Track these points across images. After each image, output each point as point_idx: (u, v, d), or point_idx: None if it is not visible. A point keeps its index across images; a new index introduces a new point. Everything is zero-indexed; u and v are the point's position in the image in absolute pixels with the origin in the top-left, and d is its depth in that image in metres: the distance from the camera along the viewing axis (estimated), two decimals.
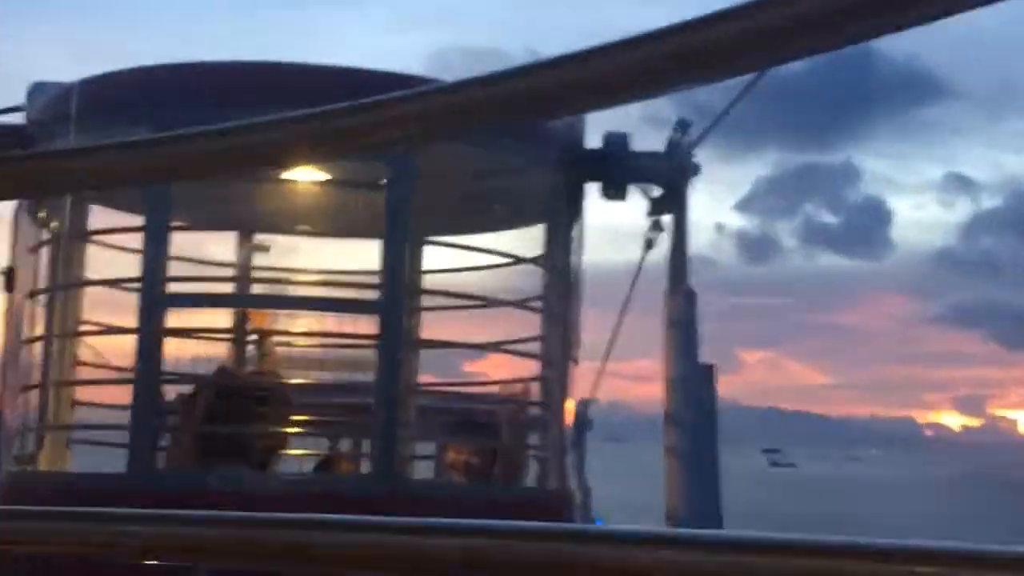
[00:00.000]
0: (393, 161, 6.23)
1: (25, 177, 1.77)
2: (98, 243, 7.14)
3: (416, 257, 7.82)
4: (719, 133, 7.27)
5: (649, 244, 7.38)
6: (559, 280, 7.12)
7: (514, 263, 7.62)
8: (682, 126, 7.27)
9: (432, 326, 7.70)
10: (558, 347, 7.10)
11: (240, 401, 6.40)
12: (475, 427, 7.42)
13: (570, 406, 7.15)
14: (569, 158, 7.05)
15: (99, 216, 7.52)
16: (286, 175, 7.05)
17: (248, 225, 8.25)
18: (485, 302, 7.33)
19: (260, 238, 8.33)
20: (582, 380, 7.48)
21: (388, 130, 1.55)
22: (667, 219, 7.30)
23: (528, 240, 7.64)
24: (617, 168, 7.17)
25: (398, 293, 6.31)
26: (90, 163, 1.76)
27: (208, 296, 6.85)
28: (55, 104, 6.64)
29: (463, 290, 7.56)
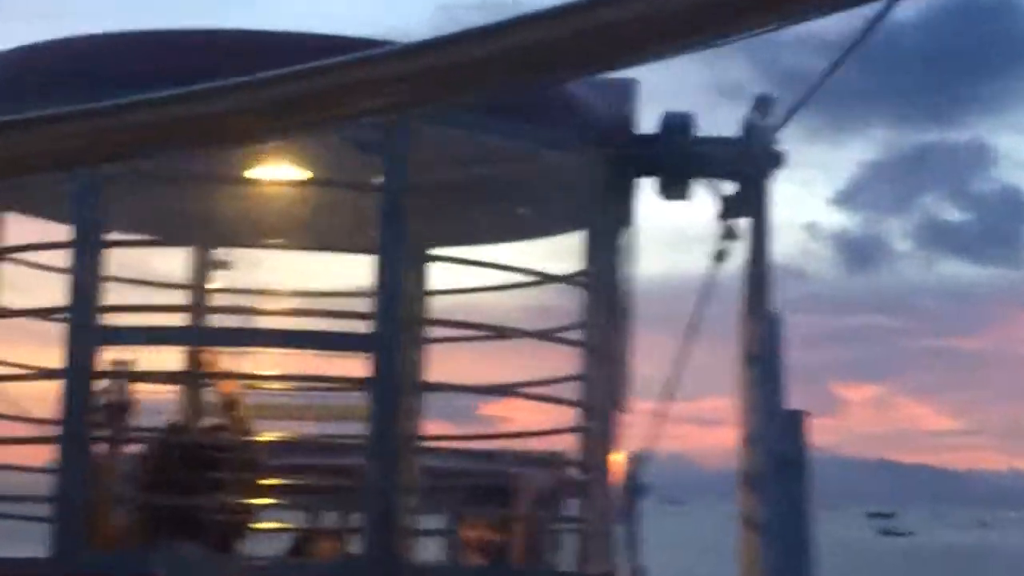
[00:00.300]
0: (384, 152, 6.24)
1: None
2: (16, 260, 7.19)
3: (418, 274, 7.85)
4: (810, 105, 7.27)
5: (720, 255, 7.35)
6: (603, 304, 7.11)
7: (543, 282, 7.64)
8: (762, 103, 7.24)
9: (440, 362, 7.71)
10: (602, 390, 7.08)
11: (196, 463, 6.41)
12: (495, 494, 7.41)
13: (618, 465, 7.14)
14: (614, 146, 7.04)
15: (17, 227, 7.57)
16: (250, 173, 7.08)
17: (205, 237, 8.27)
18: (506, 332, 7.31)
19: (219, 253, 8.35)
20: (634, 428, 7.46)
21: (358, 97, 1.57)
22: (743, 223, 7.28)
23: (562, 252, 7.65)
24: (678, 159, 7.16)
25: (395, 322, 6.31)
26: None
27: (154, 330, 6.85)
28: None
29: (479, 317, 7.57)
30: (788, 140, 7.28)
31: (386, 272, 6.31)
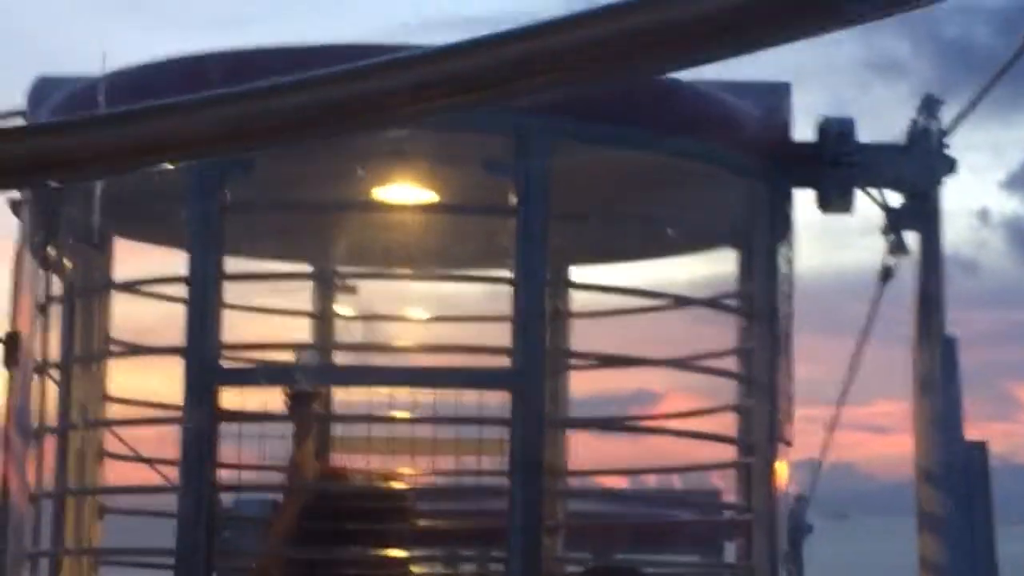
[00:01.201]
0: (517, 172, 6.09)
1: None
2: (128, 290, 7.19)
3: (558, 297, 7.71)
4: (976, 81, 6.98)
5: (887, 273, 7.09)
6: (762, 329, 6.89)
7: (697, 304, 7.46)
8: (930, 105, 6.99)
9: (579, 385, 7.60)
10: (762, 423, 6.87)
11: (348, 513, 6.32)
12: (648, 538, 7.20)
13: (782, 479, 6.91)
14: (770, 156, 6.82)
15: (124, 252, 7.57)
16: (377, 195, 6.98)
17: (329, 260, 8.20)
18: (656, 362, 7.13)
19: (345, 277, 8.27)
20: (800, 438, 7.22)
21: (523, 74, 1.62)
22: (912, 237, 7.02)
23: (713, 268, 7.47)
24: (839, 169, 6.92)
25: (536, 354, 6.13)
26: (100, 137, 1.76)
27: (277, 369, 6.76)
28: (72, 104, 6.63)
29: (625, 339, 7.41)
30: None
31: (525, 300, 6.13)
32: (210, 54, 6.54)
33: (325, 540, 6.32)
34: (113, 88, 6.35)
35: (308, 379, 6.67)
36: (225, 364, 6.33)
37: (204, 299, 6.20)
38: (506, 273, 6.35)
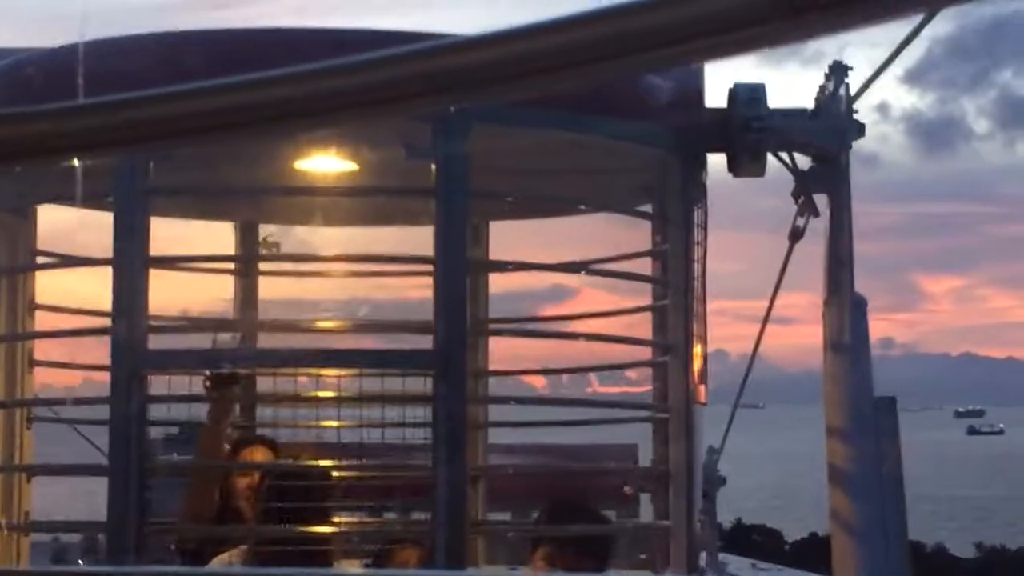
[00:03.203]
0: (436, 155, 6.16)
1: None
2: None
3: (478, 243, 7.84)
4: None
5: (797, 234, 7.23)
6: (678, 287, 7.02)
7: (614, 259, 7.57)
8: (838, 70, 7.10)
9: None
10: (680, 382, 7.02)
11: (293, 495, 6.40)
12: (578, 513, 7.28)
13: (696, 462, 7.08)
14: (682, 126, 6.92)
15: (49, 215, 7.57)
16: (299, 164, 7.03)
17: (251, 214, 8.25)
18: (578, 336, 7.26)
19: (267, 231, 8.33)
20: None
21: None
22: (822, 199, 7.15)
23: (631, 228, 7.57)
24: (749, 134, 7.03)
25: (458, 337, 6.23)
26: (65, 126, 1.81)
27: (206, 353, 6.81)
28: (6, 84, 6.62)
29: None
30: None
31: (445, 283, 6.22)
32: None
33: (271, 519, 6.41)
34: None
35: (232, 361, 6.75)
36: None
37: (130, 285, 6.25)
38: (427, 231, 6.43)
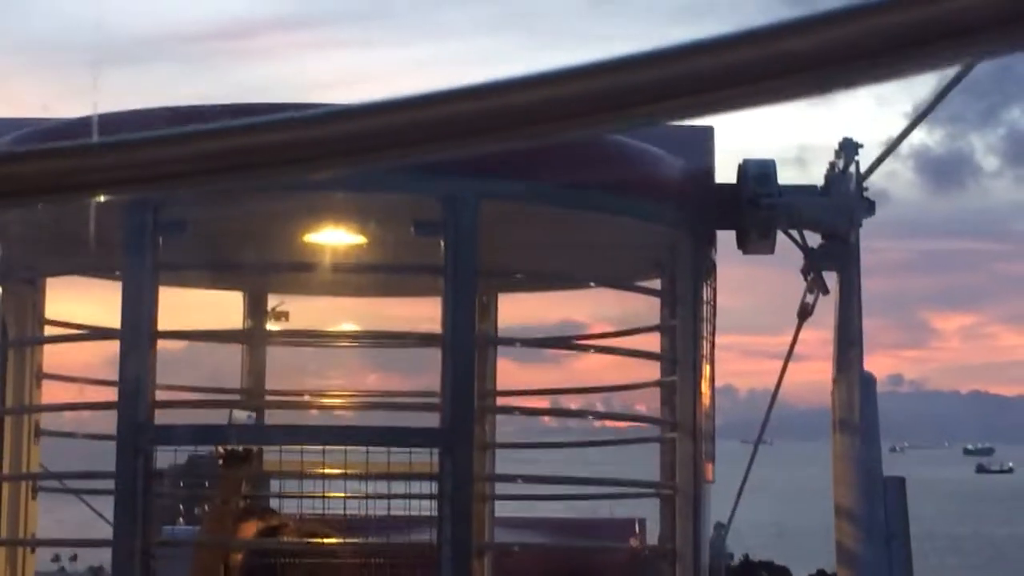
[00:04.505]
0: (446, 233, 6.13)
1: None
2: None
3: (486, 316, 7.80)
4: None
5: (806, 312, 7.18)
6: (687, 372, 6.97)
7: (621, 334, 7.53)
8: (848, 148, 7.06)
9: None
10: (688, 459, 6.97)
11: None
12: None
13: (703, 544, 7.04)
14: (691, 203, 6.89)
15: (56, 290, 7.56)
16: (306, 239, 7.01)
17: (260, 286, 8.21)
18: (587, 414, 7.22)
19: (276, 301, 8.29)
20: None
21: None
22: (831, 277, 7.10)
23: (635, 308, 7.53)
24: (758, 210, 6.99)
25: (466, 415, 6.19)
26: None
27: (207, 429, 6.78)
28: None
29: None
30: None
31: (453, 360, 6.18)
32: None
33: None
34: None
35: (239, 439, 6.71)
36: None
37: (137, 358, 6.22)
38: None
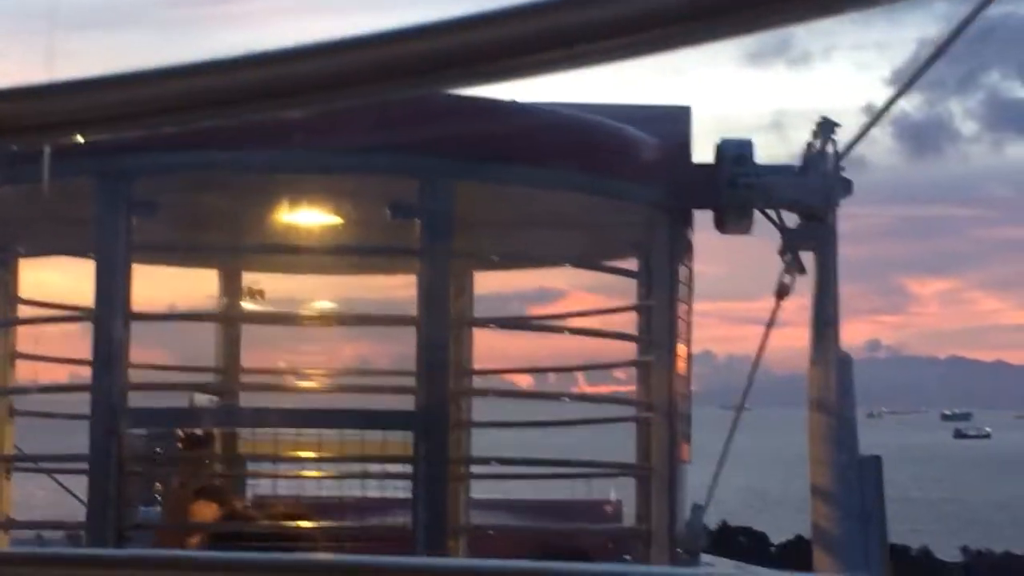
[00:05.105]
0: (422, 215, 6.09)
1: None
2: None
3: (462, 293, 7.76)
4: None
5: (783, 291, 7.14)
6: (662, 352, 6.94)
7: (599, 313, 7.50)
8: (826, 128, 7.01)
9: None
10: (663, 439, 6.95)
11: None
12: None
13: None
14: (669, 183, 6.84)
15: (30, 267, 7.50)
16: (285, 217, 6.96)
17: (235, 264, 8.15)
18: (561, 396, 7.19)
19: (251, 278, 8.23)
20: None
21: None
22: (808, 256, 7.06)
23: (612, 279, 7.50)
24: (736, 191, 6.95)
25: (441, 398, 6.16)
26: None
27: (184, 411, 6.73)
28: None
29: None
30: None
31: (428, 342, 6.14)
32: None
33: None
34: None
35: (210, 421, 6.67)
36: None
37: (110, 341, 6.16)
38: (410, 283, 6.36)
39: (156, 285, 7.90)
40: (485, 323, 7.71)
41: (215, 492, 7.33)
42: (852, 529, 6.81)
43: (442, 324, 6.20)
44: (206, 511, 7.14)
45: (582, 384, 8.12)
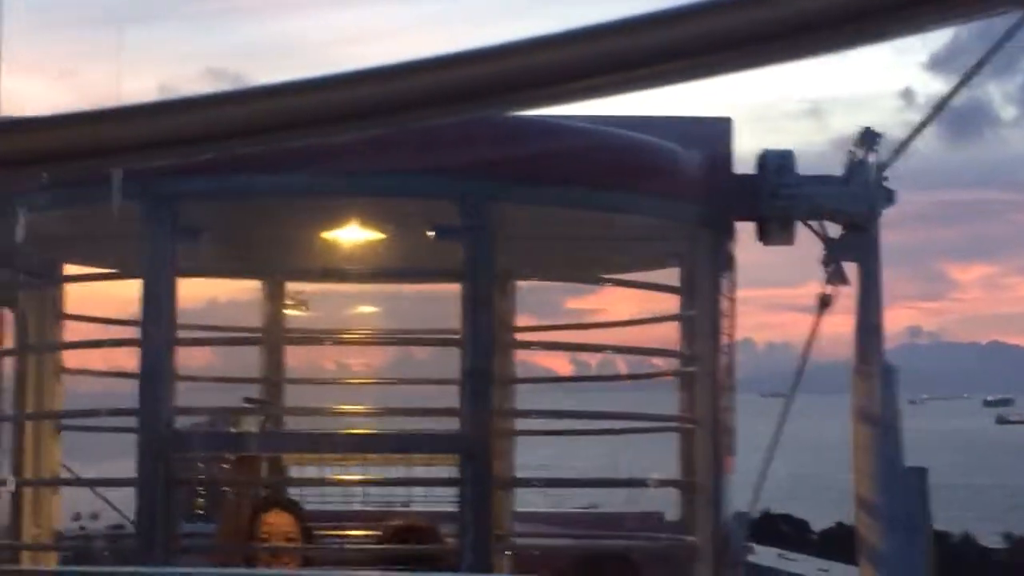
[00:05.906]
0: (464, 238, 6.09)
1: None
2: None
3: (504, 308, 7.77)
4: None
5: (825, 302, 7.11)
6: (705, 366, 6.92)
7: (639, 323, 7.48)
8: (868, 139, 6.97)
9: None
10: (707, 453, 6.93)
11: None
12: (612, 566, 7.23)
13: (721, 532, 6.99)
14: (710, 197, 6.81)
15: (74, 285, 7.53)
16: (325, 234, 6.97)
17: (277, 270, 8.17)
18: (600, 415, 7.18)
19: (295, 289, 8.23)
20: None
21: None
22: (851, 267, 7.03)
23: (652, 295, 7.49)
24: (778, 201, 6.92)
25: (484, 420, 6.15)
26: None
27: (232, 436, 6.75)
28: None
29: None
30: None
31: (472, 363, 6.14)
32: None
33: None
34: None
35: (258, 446, 6.68)
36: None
37: (158, 366, 6.17)
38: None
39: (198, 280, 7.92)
40: (528, 346, 7.68)
41: (287, 503, 7.30)
42: (897, 541, 6.77)
43: (486, 347, 6.19)
44: (281, 521, 7.06)
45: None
